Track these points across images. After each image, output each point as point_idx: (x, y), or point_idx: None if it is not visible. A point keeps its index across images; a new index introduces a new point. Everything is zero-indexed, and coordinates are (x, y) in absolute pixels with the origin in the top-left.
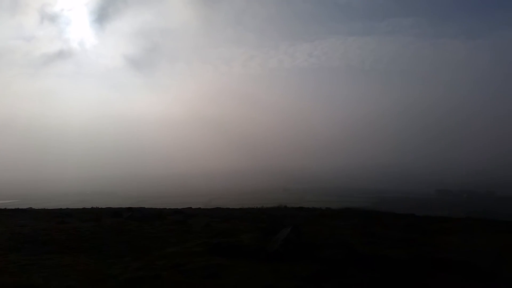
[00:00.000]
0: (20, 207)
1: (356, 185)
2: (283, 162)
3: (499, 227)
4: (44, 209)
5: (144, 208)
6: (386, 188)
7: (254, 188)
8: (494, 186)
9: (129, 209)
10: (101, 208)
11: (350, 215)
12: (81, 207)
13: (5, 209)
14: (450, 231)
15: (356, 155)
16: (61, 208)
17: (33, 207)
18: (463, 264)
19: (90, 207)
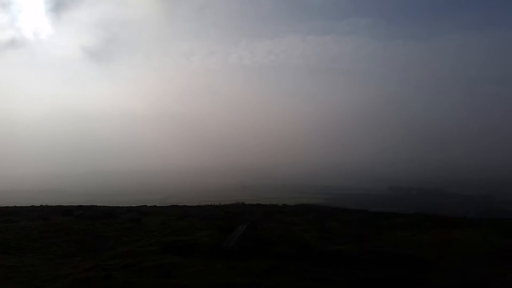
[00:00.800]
0: None
1: (312, 182)
2: (242, 158)
3: (444, 222)
4: None
5: (96, 206)
6: (341, 185)
7: (213, 185)
8: (441, 183)
9: (80, 207)
10: (51, 206)
11: (306, 211)
12: (29, 205)
13: None
14: (400, 226)
15: (313, 152)
16: (7, 206)
17: None
18: (410, 258)
19: (39, 205)
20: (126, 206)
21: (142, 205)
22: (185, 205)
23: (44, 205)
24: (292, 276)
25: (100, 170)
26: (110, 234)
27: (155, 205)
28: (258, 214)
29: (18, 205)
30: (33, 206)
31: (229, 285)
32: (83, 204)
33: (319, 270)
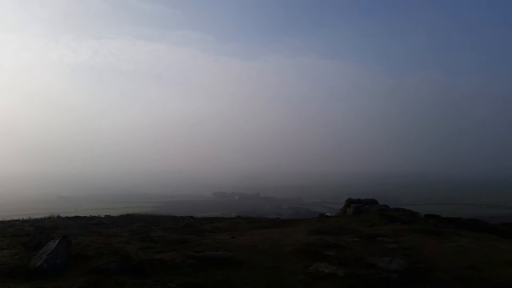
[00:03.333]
0: None
1: (139, 190)
2: (60, 166)
3: (261, 223)
4: None
5: None
6: (169, 193)
7: (24, 196)
8: (259, 188)
9: None
10: None
11: (130, 222)
12: None
13: None
14: (222, 230)
15: (140, 160)
16: None
17: None
18: (228, 260)
19: None
20: None
21: None
22: None
23: None
24: None
25: None
26: None
27: None
28: (75, 227)
29: None
30: None
31: None
32: None
33: (139, 281)
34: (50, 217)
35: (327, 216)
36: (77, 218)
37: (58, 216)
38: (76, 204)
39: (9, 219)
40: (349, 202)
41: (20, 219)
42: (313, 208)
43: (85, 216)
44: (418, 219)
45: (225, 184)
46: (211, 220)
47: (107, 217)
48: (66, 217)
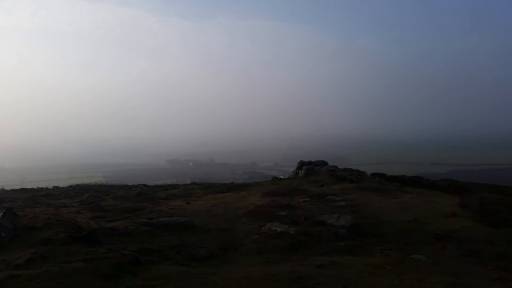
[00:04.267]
0: None
1: (88, 160)
2: (2, 137)
3: (216, 188)
4: None
5: None
6: (120, 161)
7: None
8: (213, 154)
9: None
10: None
11: (80, 192)
12: None
13: None
14: (176, 196)
15: (86, 128)
16: None
17: None
18: (182, 225)
19: None
20: None
21: None
22: None
23: None
24: (59, 260)
25: None
26: None
27: None
28: (22, 199)
29: None
30: None
31: None
32: None
33: (91, 250)
34: None
35: (280, 178)
36: (23, 190)
37: (3, 189)
38: (21, 176)
39: None
40: (301, 164)
41: None
42: (267, 172)
43: (31, 188)
44: (365, 177)
45: (178, 151)
46: (165, 188)
47: (55, 188)
48: (12, 190)
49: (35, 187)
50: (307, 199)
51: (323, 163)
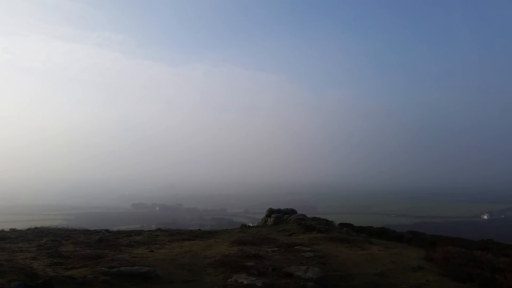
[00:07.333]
0: None
1: (47, 201)
2: None
3: (182, 235)
4: None
5: None
6: (81, 203)
7: None
8: (181, 198)
9: None
10: None
11: (38, 236)
12: None
13: None
14: (140, 243)
15: (47, 167)
16: None
17: None
18: (144, 275)
19: None
20: None
21: None
22: None
23: None
24: None
25: None
26: None
27: None
28: None
29: None
30: None
31: None
32: None
33: None
34: None
35: (249, 226)
36: None
37: None
38: None
39: None
40: (270, 212)
41: None
42: (236, 219)
43: None
44: (333, 227)
45: (145, 195)
46: (128, 234)
47: (12, 230)
48: None
49: None
50: (275, 248)
51: (292, 212)
